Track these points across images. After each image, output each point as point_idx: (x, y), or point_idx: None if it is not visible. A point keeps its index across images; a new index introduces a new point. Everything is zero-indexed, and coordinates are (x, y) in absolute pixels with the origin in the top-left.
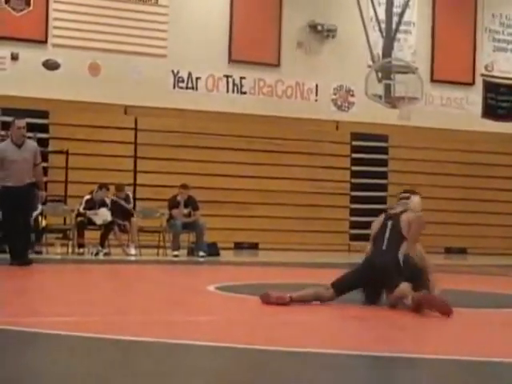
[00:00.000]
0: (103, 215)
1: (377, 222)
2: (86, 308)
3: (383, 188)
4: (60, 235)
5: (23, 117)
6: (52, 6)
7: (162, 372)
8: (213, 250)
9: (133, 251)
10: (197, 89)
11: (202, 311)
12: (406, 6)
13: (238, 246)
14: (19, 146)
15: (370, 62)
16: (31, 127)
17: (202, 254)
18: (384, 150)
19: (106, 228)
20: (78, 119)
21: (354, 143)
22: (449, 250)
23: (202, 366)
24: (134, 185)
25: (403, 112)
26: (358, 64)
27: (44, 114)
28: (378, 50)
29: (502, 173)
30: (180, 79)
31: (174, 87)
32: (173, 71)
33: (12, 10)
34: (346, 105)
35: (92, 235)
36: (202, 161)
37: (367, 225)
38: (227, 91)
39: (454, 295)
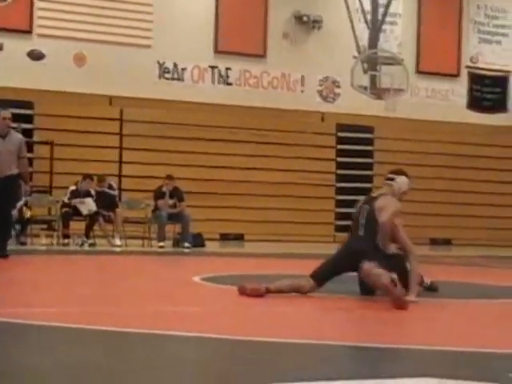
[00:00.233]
0: (89, 204)
1: (358, 203)
2: (72, 299)
3: (369, 179)
4: (45, 226)
5: (7, 107)
6: None
7: (148, 363)
8: (198, 241)
9: (118, 242)
10: (182, 80)
11: (187, 302)
12: None
13: (224, 237)
14: (3, 136)
15: (356, 54)
16: (16, 118)
17: (187, 245)
18: (369, 142)
19: (91, 219)
20: (63, 110)
21: (340, 134)
22: (434, 241)
23: (188, 356)
24: (120, 176)
25: (389, 103)
26: (343, 55)
27: (29, 105)
28: (364, 41)
29: (487, 164)
30: (165, 70)
31: (160, 78)
32: (158, 62)
33: None
34: (332, 96)
35: (77, 226)
36: (187, 152)
37: None
38: (213, 82)
39: (439, 286)
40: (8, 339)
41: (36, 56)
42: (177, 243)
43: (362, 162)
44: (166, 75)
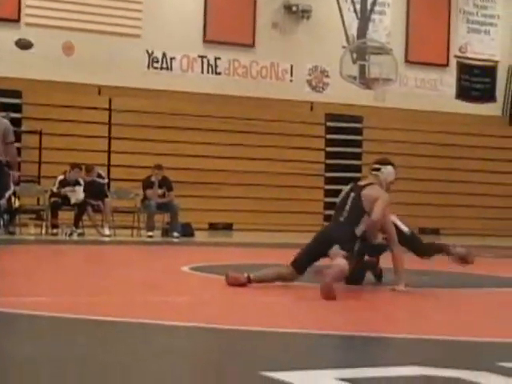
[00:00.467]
0: (78, 193)
1: (343, 191)
2: (61, 289)
3: (357, 169)
4: (33, 216)
5: None
6: None
7: (137, 352)
8: (187, 230)
9: (107, 232)
10: (171, 69)
11: (175, 292)
12: None
13: (213, 227)
14: None
15: (345, 43)
16: (4, 107)
17: (176, 234)
18: (358, 131)
19: (80, 208)
20: (52, 99)
21: (329, 124)
22: (422, 231)
23: (177, 346)
24: (108, 165)
25: (378, 93)
26: (332, 45)
27: (17, 94)
28: (353, 31)
29: (475, 154)
30: (154, 59)
31: (149, 67)
32: (147, 51)
33: None
34: (321, 86)
35: (66, 216)
36: (176, 141)
37: None
38: (202, 72)
39: (427, 275)
40: None
41: (24, 45)
42: (166, 233)
43: (351, 151)
44: (155, 65)
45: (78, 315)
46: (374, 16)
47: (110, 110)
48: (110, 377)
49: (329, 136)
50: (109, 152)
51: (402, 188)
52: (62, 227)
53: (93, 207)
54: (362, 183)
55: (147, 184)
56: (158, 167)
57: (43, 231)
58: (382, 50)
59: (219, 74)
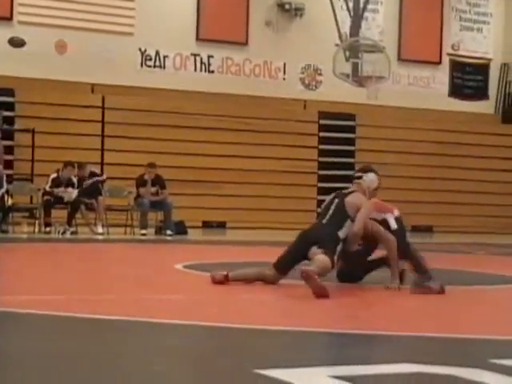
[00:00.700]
0: (72, 193)
1: (326, 199)
2: (53, 287)
3: (351, 167)
4: (26, 214)
5: None
6: None
7: (131, 350)
8: (180, 228)
9: (100, 230)
10: (164, 67)
11: (169, 290)
12: None
13: (206, 225)
14: None
15: (338, 41)
16: None
17: (169, 232)
18: (351, 129)
19: (73, 207)
20: (45, 97)
21: (322, 122)
22: (415, 228)
23: (170, 343)
24: (102, 163)
25: (371, 91)
26: (325, 43)
27: (10, 92)
28: (346, 28)
29: (468, 151)
30: (147, 57)
31: (142, 66)
32: (140, 49)
33: None
34: (314, 84)
35: (59, 214)
36: (169, 139)
37: None
38: (195, 70)
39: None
40: None
41: (17, 43)
42: (159, 231)
43: (344, 149)
44: (148, 63)
45: (72, 313)
46: (367, 14)
47: (103, 108)
48: (105, 375)
49: (322, 134)
50: (102, 150)
51: (395, 186)
52: (55, 225)
53: (86, 205)
54: (345, 191)
55: (140, 182)
56: (152, 165)
57: (36, 229)
58: (374, 48)
59: (212, 72)
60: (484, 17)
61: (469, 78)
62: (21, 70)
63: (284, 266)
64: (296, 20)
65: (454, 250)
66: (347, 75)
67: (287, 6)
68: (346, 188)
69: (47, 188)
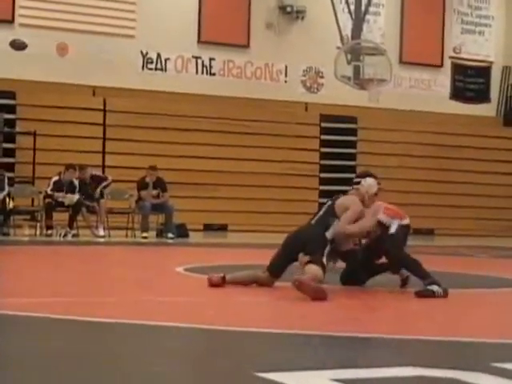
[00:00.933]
0: (73, 198)
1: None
2: (54, 289)
3: (352, 170)
4: (28, 217)
5: None
6: None
7: (130, 352)
8: (182, 231)
9: (101, 233)
10: (166, 70)
11: (170, 293)
12: None
13: (207, 228)
14: None
15: (339, 44)
16: None
17: (170, 235)
18: (353, 132)
19: (74, 209)
20: (46, 100)
21: (324, 125)
22: (416, 231)
23: (170, 346)
24: (103, 166)
25: (372, 94)
26: (327, 45)
27: (11, 95)
28: (347, 31)
29: (469, 154)
30: (149, 60)
31: (143, 68)
32: (142, 52)
33: None
34: (316, 86)
35: (60, 217)
36: (171, 142)
37: None
38: (196, 72)
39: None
40: None
41: (18, 46)
42: (160, 234)
43: (346, 152)
44: (150, 65)
45: (73, 316)
46: (369, 17)
47: (104, 110)
48: (105, 376)
49: (323, 137)
50: (103, 153)
51: (396, 188)
52: (57, 228)
53: (87, 208)
54: (341, 195)
55: (142, 185)
56: (153, 168)
57: (37, 232)
58: (376, 51)
59: (214, 74)
60: (486, 20)
61: (470, 81)
62: (22, 72)
63: (276, 268)
64: (297, 23)
65: (456, 252)
66: (349, 78)
67: (289, 9)
68: (347, 191)
69: (49, 191)
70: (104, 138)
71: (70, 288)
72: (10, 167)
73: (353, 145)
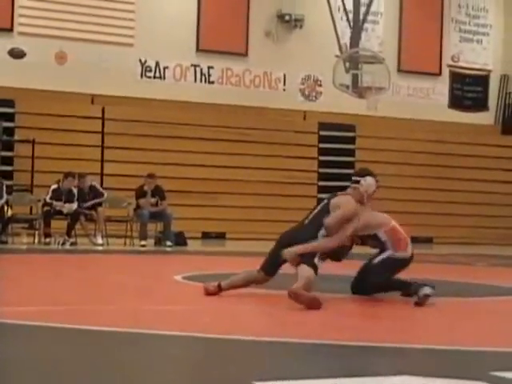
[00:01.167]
0: (71, 207)
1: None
2: (53, 298)
3: (350, 178)
4: (26, 225)
5: None
6: None
7: (130, 361)
8: (180, 239)
9: (100, 241)
10: (164, 78)
11: (168, 301)
12: None
13: (206, 236)
14: None
15: (338, 52)
16: None
17: (169, 243)
18: (351, 140)
19: (73, 218)
20: (45, 108)
21: (322, 133)
22: (415, 240)
23: (169, 355)
24: (102, 174)
25: (370, 102)
26: (325, 54)
27: (10, 103)
28: (346, 40)
29: (468, 163)
30: (147, 68)
31: (142, 76)
32: (140, 60)
33: None
34: (314, 94)
35: (58, 225)
36: (169, 150)
37: None
38: (195, 81)
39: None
40: None
41: (17, 54)
42: (159, 242)
43: (344, 160)
44: (148, 74)
45: (72, 325)
46: (367, 25)
47: (103, 118)
48: None
49: (322, 145)
50: (102, 161)
51: (394, 197)
52: (55, 236)
53: (85, 216)
54: (338, 193)
55: (140, 193)
56: (151, 176)
57: (36, 240)
58: (374, 59)
59: (212, 82)
60: (484, 28)
61: (468, 90)
62: (21, 80)
63: (270, 267)
64: (296, 31)
65: (454, 261)
66: (347, 86)
67: (287, 17)
68: (345, 188)
69: (47, 199)
70: (102, 146)
71: (69, 296)
72: (9, 175)
73: (351, 153)
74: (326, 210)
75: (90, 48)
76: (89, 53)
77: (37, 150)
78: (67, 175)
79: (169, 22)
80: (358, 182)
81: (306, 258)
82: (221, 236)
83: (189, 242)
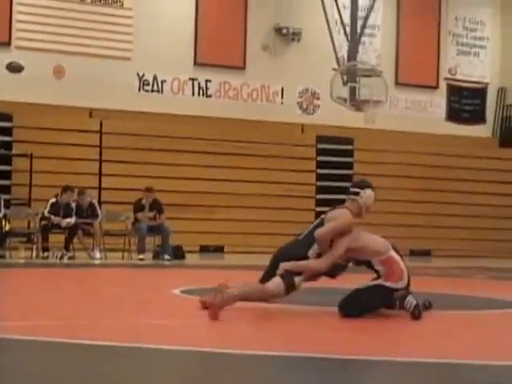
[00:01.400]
0: (69, 221)
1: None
2: (51, 312)
3: (349, 191)
4: (24, 239)
5: None
6: (15, 8)
7: (127, 375)
8: (178, 253)
9: (98, 255)
10: (162, 92)
11: (166, 315)
12: (370, 9)
13: (204, 249)
14: None
15: (335, 66)
16: None
17: (167, 257)
18: (349, 153)
19: (71, 232)
20: (42, 122)
21: (320, 146)
22: (413, 253)
23: (167, 369)
24: (99, 188)
25: (368, 115)
26: (323, 67)
27: (7, 117)
28: (343, 53)
29: (466, 175)
30: (145, 82)
31: (140, 90)
32: (138, 74)
33: None
34: (312, 108)
35: (56, 239)
36: (167, 164)
37: None
38: (193, 94)
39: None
40: None
41: (15, 68)
42: (157, 255)
43: (342, 173)
44: (146, 87)
45: (69, 339)
46: (364, 38)
47: (100, 132)
48: None
49: (320, 158)
50: (100, 175)
51: (392, 210)
52: (53, 250)
53: (83, 230)
54: (337, 206)
55: (138, 207)
56: (149, 190)
57: (34, 254)
58: (372, 72)
59: (210, 96)
60: (481, 41)
61: (466, 102)
62: (19, 94)
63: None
64: (293, 44)
65: (452, 274)
66: (344, 99)
67: (284, 31)
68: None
69: (46, 213)
70: (100, 160)
71: (66, 310)
72: (7, 189)
73: (349, 166)
74: (322, 224)
75: (88, 62)
76: (87, 67)
77: (35, 164)
78: (65, 189)
79: (166, 35)
80: (357, 193)
81: (286, 275)
82: (219, 249)
83: (187, 255)
